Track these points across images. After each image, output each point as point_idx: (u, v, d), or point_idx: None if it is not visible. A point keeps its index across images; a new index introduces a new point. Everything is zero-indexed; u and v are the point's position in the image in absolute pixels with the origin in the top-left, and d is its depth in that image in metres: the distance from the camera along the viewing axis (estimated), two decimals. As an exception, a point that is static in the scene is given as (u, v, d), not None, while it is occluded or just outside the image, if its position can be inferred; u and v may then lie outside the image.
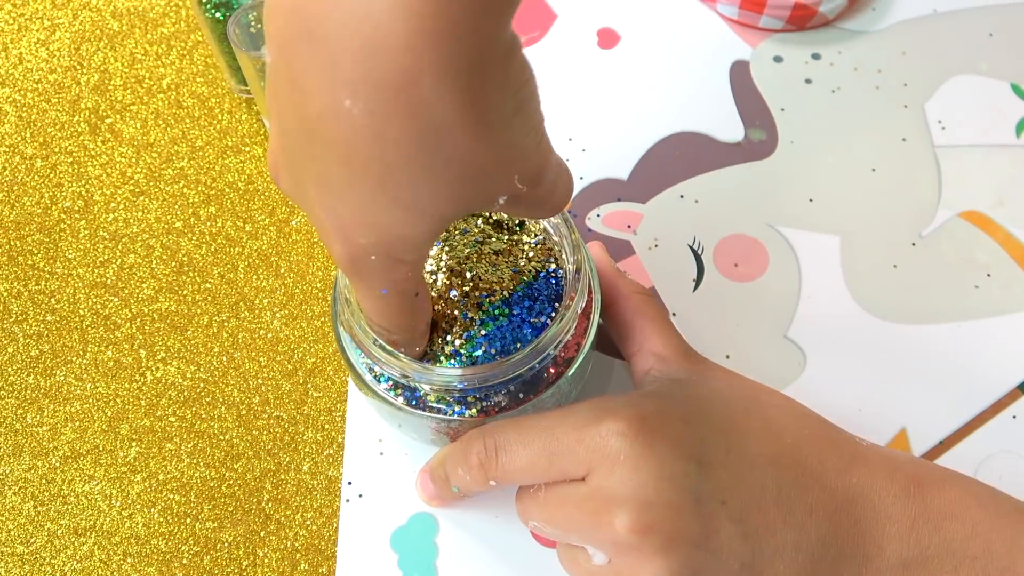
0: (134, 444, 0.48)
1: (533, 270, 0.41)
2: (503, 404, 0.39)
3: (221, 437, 0.48)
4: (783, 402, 0.41)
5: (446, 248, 0.41)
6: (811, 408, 0.41)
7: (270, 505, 0.46)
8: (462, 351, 0.39)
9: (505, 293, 0.40)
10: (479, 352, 0.39)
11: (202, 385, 0.49)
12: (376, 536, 0.45)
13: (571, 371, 0.40)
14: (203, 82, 0.58)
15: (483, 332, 0.39)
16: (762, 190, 0.54)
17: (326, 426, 0.48)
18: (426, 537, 0.45)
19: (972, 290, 0.50)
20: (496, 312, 0.40)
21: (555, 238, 0.42)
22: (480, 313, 0.40)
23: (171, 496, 0.46)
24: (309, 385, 0.49)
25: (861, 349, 0.49)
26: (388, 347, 0.37)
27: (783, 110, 0.57)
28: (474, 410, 0.39)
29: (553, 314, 0.40)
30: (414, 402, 0.40)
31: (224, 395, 0.49)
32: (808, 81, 0.58)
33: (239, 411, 0.48)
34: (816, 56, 0.59)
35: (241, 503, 0.46)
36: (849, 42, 0.59)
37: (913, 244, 0.52)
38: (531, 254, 0.42)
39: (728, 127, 0.56)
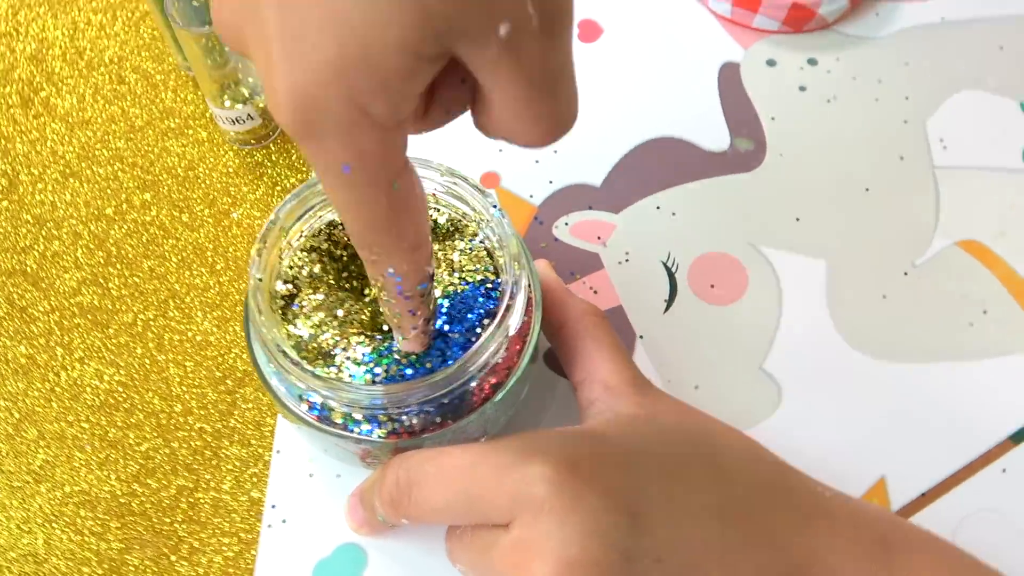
0: (41, 450, 0.43)
1: (465, 280, 0.37)
2: (417, 428, 0.35)
3: (136, 448, 0.43)
4: (739, 443, 0.37)
5: None
6: (783, 450, 0.37)
7: (184, 527, 0.42)
8: (372, 362, 0.35)
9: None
10: (389, 366, 0.35)
11: (120, 389, 0.45)
12: (297, 567, 0.41)
13: (498, 396, 0.36)
14: (148, 57, 0.54)
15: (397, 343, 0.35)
16: (746, 205, 0.50)
17: (253, 441, 0.44)
18: (353, 571, 0.41)
19: (966, 327, 0.46)
20: None
21: (497, 249, 0.38)
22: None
23: (76, 511, 0.42)
24: (237, 395, 0.45)
25: (843, 387, 0.45)
26: (290, 352, 0.34)
27: (774, 119, 0.52)
28: (383, 431, 0.35)
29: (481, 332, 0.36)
30: (321, 418, 0.36)
31: (143, 401, 0.44)
32: (802, 88, 0.53)
33: (158, 420, 0.44)
34: (812, 62, 0.54)
35: (152, 523, 0.42)
36: (849, 48, 0.55)
37: (905, 273, 0.48)
38: (464, 262, 0.38)
39: (713, 134, 0.52)
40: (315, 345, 0.36)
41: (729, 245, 0.48)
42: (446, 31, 0.22)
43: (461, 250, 0.38)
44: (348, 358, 0.35)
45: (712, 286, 0.47)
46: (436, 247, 0.38)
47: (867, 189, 0.50)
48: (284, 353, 0.34)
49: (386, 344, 0.36)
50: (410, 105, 0.24)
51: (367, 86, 0.23)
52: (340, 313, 0.37)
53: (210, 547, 0.41)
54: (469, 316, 0.36)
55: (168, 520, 0.42)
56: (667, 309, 0.47)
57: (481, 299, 0.37)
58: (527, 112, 0.25)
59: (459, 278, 0.37)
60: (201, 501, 0.42)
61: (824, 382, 0.45)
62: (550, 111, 0.25)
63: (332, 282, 0.38)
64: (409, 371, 0.35)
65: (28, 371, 0.45)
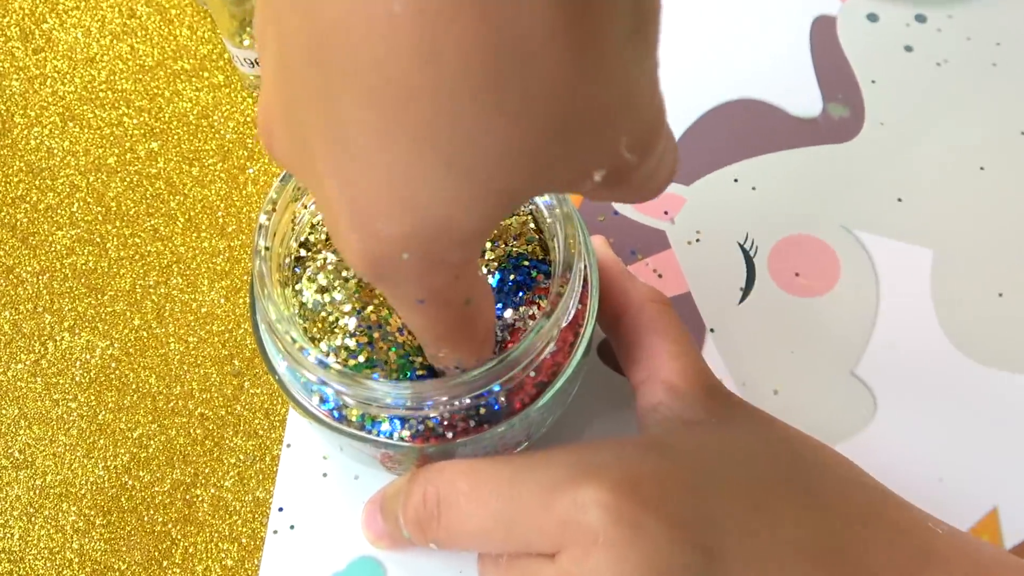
0: (22, 432, 0.38)
1: (510, 256, 0.31)
2: (447, 432, 0.30)
3: (128, 434, 0.38)
4: (835, 464, 0.31)
5: None
6: (875, 471, 0.31)
7: (177, 528, 0.37)
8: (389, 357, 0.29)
9: None
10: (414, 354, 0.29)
11: (113, 365, 0.39)
12: (306, 582, 0.35)
13: (545, 399, 0.30)
14: (163, -12, 0.48)
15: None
16: (839, 182, 0.43)
17: (260, 432, 0.38)
18: (369, 590, 0.35)
19: (1099, 335, 0.39)
20: None
21: (547, 219, 0.32)
22: None
23: (58, 504, 0.37)
24: (245, 377, 0.39)
25: (949, 398, 0.38)
26: (300, 339, 0.28)
27: (874, 82, 0.45)
28: (405, 432, 0.30)
29: (524, 319, 0.30)
30: (336, 415, 0.30)
31: (138, 380, 0.39)
32: (908, 49, 0.46)
33: (154, 402, 0.39)
34: (920, 18, 0.47)
35: (143, 522, 0.37)
36: (964, 4, 0.48)
37: (1027, 268, 0.41)
38: (507, 234, 0.32)
39: (803, 98, 0.45)
40: (322, 316, 0.30)
41: (818, 227, 0.42)
42: (531, 195, 0.22)
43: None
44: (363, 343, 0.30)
45: (797, 274, 0.41)
46: None
47: (982, 168, 0.43)
48: (293, 339, 0.28)
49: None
50: (485, 242, 0.23)
51: (443, 249, 0.21)
52: (349, 275, 0.31)
53: (207, 553, 0.36)
54: (512, 300, 0.30)
55: (161, 519, 0.37)
56: (743, 299, 0.41)
57: (527, 280, 0.31)
58: (623, 199, 0.24)
59: (501, 253, 0.31)
60: (199, 499, 0.37)
61: (927, 392, 0.39)
62: (649, 192, 0.24)
63: None
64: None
65: (12, 340, 0.40)
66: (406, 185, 0.20)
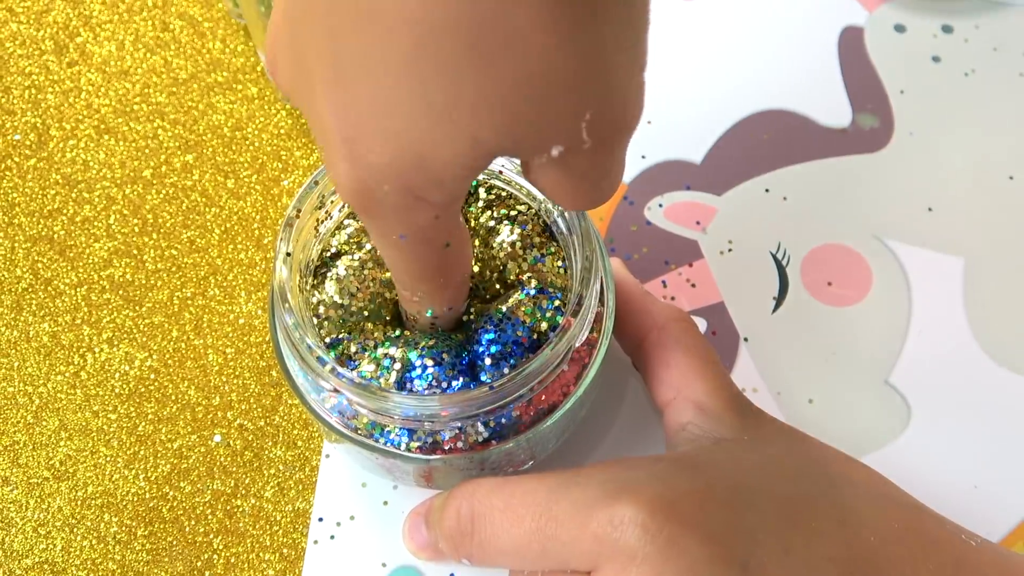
0: (63, 444, 0.38)
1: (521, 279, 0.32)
2: (452, 446, 0.31)
3: (168, 445, 0.38)
4: (866, 479, 0.31)
5: None
6: (910, 479, 0.32)
7: (219, 539, 0.37)
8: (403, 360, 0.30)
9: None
10: (420, 368, 0.30)
11: (152, 376, 0.40)
12: (347, 592, 0.36)
13: (554, 418, 0.31)
14: (196, 1, 0.48)
15: (429, 343, 0.30)
16: (870, 191, 0.43)
17: (299, 443, 0.38)
18: (410, 599, 0.36)
19: None
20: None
21: (566, 233, 0.32)
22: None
23: (99, 515, 0.37)
24: (283, 388, 0.39)
25: (982, 408, 0.39)
26: (317, 348, 0.29)
27: (902, 92, 0.45)
28: (413, 444, 0.30)
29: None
30: (349, 424, 0.31)
31: (177, 392, 0.39)
32: (936, 59, 0.47)
33: (194, 413, 0.39)
34: (947, 29, 0.47)
35: (184, 532, 0.37)
36: (990, 14, 0.48)
37: (1058, 277, 0.41)
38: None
39: (832, 109, 0.45)
40: (333, 328, 0.31)
41: (850, 236, 0.42)
42: (498, 152, 0.22)
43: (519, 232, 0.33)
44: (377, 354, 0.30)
45: (829, 283, 0.41)
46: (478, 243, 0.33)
47: (1011, 177, 0.43)
48: (309, 346, 0.29)
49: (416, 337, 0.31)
50: (466, 187, 0.24)
51: (422, 183, 0.23)
52: (372, 281, 0.32)
53: (248, 563, 0.36)
54: (523, 317, 0.31)
55: (202, 530, 0.37)
56: (776, 308, 0.41)
57: (541, 297, 0.31)
58: (566, 194, 0.25)
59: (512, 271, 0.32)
60: (239, 509, 0.37)
61: (961, 400, 0.39)
62: (589, 196, 0.25)
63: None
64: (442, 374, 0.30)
65: (51, 352, 0.40)
66: (390, 116, 0.21)
